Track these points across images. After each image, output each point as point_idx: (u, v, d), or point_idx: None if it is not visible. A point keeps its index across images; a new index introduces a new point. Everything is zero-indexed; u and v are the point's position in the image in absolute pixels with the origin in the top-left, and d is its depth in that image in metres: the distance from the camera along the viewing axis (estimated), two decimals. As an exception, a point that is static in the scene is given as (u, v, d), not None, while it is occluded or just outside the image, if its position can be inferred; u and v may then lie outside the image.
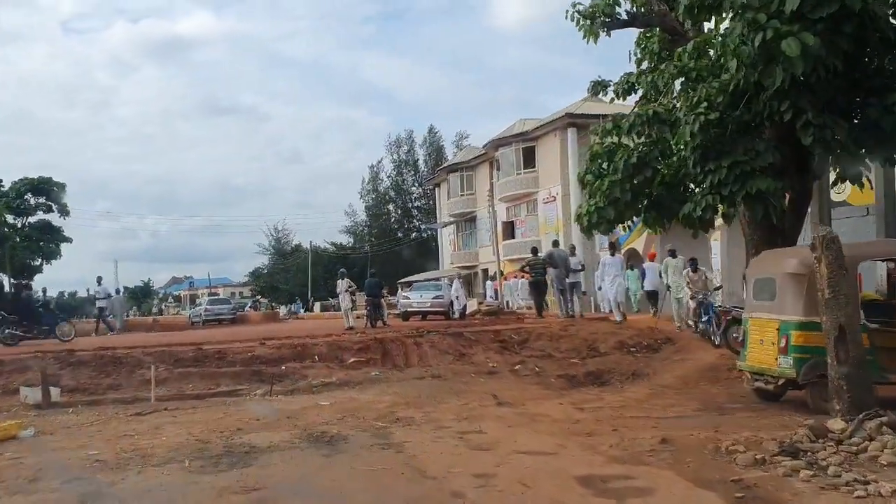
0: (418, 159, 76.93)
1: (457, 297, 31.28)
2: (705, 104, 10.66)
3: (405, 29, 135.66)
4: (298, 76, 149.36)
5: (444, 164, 59.74)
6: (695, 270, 17.64)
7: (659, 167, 12.02)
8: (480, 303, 37.09)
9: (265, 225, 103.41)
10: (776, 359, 9.88)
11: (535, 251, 23.59)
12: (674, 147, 11.69)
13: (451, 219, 54.65)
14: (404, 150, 76.56)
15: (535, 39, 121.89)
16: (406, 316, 30.73)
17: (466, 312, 32.01)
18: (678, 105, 11.11)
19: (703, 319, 16.65)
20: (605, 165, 14.48)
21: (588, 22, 14.41)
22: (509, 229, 47.30)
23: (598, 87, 15.65)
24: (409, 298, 31.39)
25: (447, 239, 57.82)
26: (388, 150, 76.98)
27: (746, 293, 10.88)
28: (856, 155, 10.56)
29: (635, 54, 15.37)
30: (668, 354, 16.72)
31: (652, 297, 25.49)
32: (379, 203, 76.84)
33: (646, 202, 12.55)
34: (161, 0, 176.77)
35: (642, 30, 15.30)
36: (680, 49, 12.21)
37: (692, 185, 11.61)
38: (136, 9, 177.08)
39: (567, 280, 20.80)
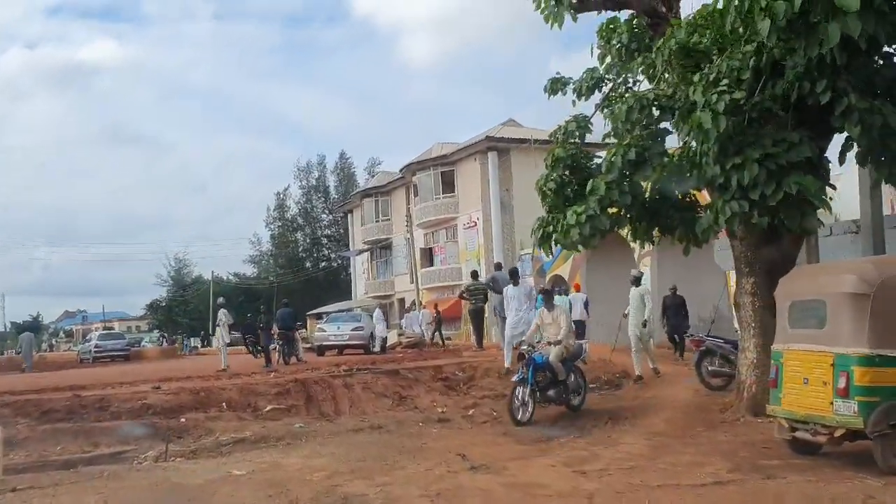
0: (329, 185, 73.99)
1: (383, 328, 28.73)
2: (726, 82, 8.51)
3: (313, 61, 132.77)
4: (203, 105, 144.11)
5: (359, 189, 57.00)
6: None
7: (661, 165, 9.78)
8: (401, 334, 34.58)
9: (165, 256, 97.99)
10: (831, 403, 7.67)
11: (475, 275, 21.22)
12: (679, 139, 9.51)
13: (366, 246, 51.89)
14: (314, 176, 73.54)
15: (444, 74, 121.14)
16: (321, 350, 27.94)
17: (386, 345, 29.45)
18: (690, 88, 8.88)
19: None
20: (566, 173, 12.34)
21: (553, 3, 12.25)
22: (428, 256, 44.90)
23: (557, 85, 13.44)
24: (324, 331, 28.53)
25: (361, 267, 54.96)
26: (297, 177, 73.85)
27: (781, 320, 8.67)
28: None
29: (599, 48, 13.30)
30: (634, 392, 14.56)
31: (577, 327, 23.83)
32: (286, 231, 73.35)
33: (634, 211, 10.28)
34: (60, 26, 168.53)
35: (606, 21, 13.28)
36: (674, 25, 10.12)
37: (703, 189, 9.39)
38: (31, 34, 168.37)
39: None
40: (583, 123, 12.63)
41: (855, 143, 9.19)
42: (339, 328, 28.20)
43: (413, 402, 13.12)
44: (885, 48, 8.80)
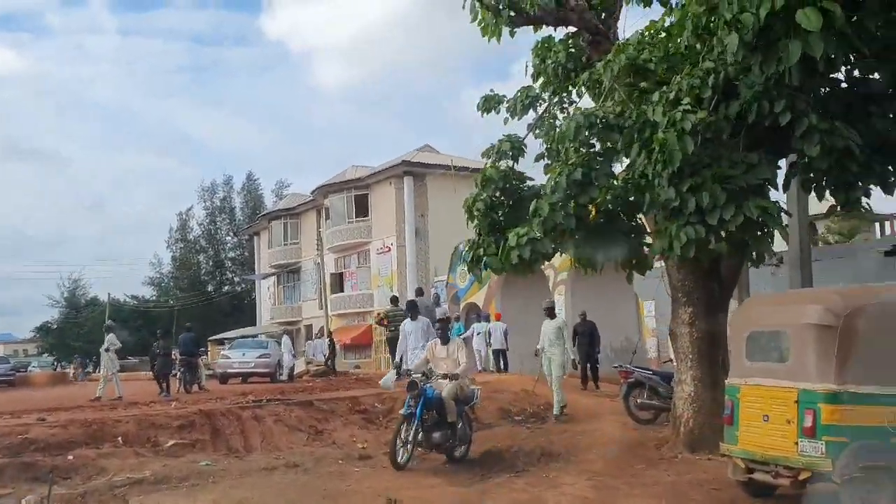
0: (235, 207, 71.80)
1: (292, 356, 27.46)
2: (688, 101, 7.99)
3: (221, 81, 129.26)
4: (104, 121, 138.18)
5: (267, 211, 55.30)
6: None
7: (607, 187, 9.18)
8: (308, 362, 33.25)
9: (59, 276, 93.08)
10: (796, 443, 7.14)
11: (395, 300, 20.29)
12: (626, 159, 8.94)
13: (273, 270, 50.28)
14: (219, 197, 71.24)
15: (357, 100, 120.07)
16: (225, 378, 26.57)
17: (294, 374, 28.20)
18: (649, 107, 8.32)
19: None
20: (497, 194, 11.74)
21: (491, 15, 11.66)
22: (338, 282, 43.70)
23: (490, 103, 12.83)
24: (228, 358, 27.16)
25: (266, 292, 53.21)
26: (202, 197, 71.32)
27: (737, 352, 8.12)
28: (870, 171, 8.22)
29: (533, 66, 12.79)
30: (562, 426, 13.91)
31: (499, 356, 23.40)
32: (188, 253, 70.66)
33: (579, 235, 9.64)
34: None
35: (542, 39, 12.79)
36: (624, 42, 9.63)
37: (653, 213, 8.82)
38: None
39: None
40: (516, 143, 12.03)
41: (799, 171, 8.87)
42: (244, 355, 26.91)
43: (330, 437, 12.10)
44: (840, 71, 8.49)
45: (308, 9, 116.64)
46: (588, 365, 18.77)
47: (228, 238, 71.89)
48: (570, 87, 12.52)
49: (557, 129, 12.49)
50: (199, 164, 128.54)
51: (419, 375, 10.24)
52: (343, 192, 42.44)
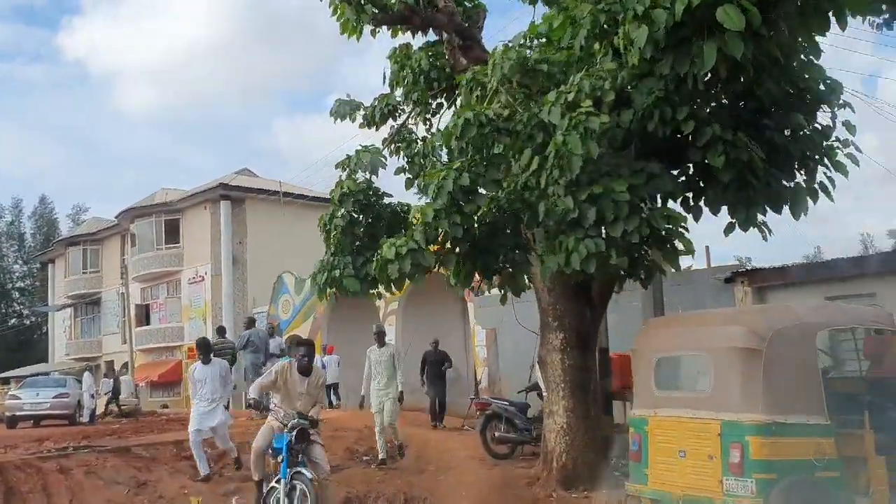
0: (25, 232, 65.48)
1: (92, 396, 24.52)
2: (589, 103, 7.20)
3: (8, 98, 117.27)
4: None
5: (64, 237, 50.43)
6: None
7: (495, 194, 8.21)
8: (111, 401, 30.05)
9: None
10: (721, 481, 6.42)
11: (222, 331, 18.28)
12: (516, 165, 8.02)
13: (69, 301, 45.70)
14: (6, 221, 64.69)
15: (161, 125, 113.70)
16: (13, 422, 23.29)
17: (96, 415, 25.26)
18: (545, 108, 7.46)
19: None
20: (355, 210, 10.61)
21: (352, 11, 10.55)
22: (144, 313, 40.24)
23: (345, 108, 11.67)
24: (18, 398, 23.86)
25: (62, 325, 48.33)
26: (-15, 221, 64.53)
27: (644, 379, 7.34)
28: (776, 186, 7.78)
29: (392, 73, 11.78)
30: (416, 465, 12.76)
31: (331, 390, 22.12)
32: (-32, 282, 63.63)
33: (463, 247, 8.60)
34: None
35: (400, 46, 11.85)
36: (507, 42, 8.79)
37: (542, 223, 7.92)
38: None
39: (263, 368, 15.97)
40: (376, 154, 10.91)
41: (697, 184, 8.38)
42: (37, 395, 23.73)
43: (156, 490, 10.20)
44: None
45: (112, 30, 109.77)
46: (437, 400, 17.26)
47: (17, 266, 65.41)
48: (431, 98, 11.61)
49: (419, 143, 11.56)
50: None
51: (302, 421, 7.80)
52: (152, 217, 39.24)
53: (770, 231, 8.08)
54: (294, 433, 7.60)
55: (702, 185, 8.07)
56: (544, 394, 10.52)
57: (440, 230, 7.84)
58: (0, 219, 64.68)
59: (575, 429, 10.08)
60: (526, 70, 8.16)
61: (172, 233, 38.91)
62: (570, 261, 7.32)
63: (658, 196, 8.07)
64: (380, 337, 12.84)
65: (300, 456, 7.66)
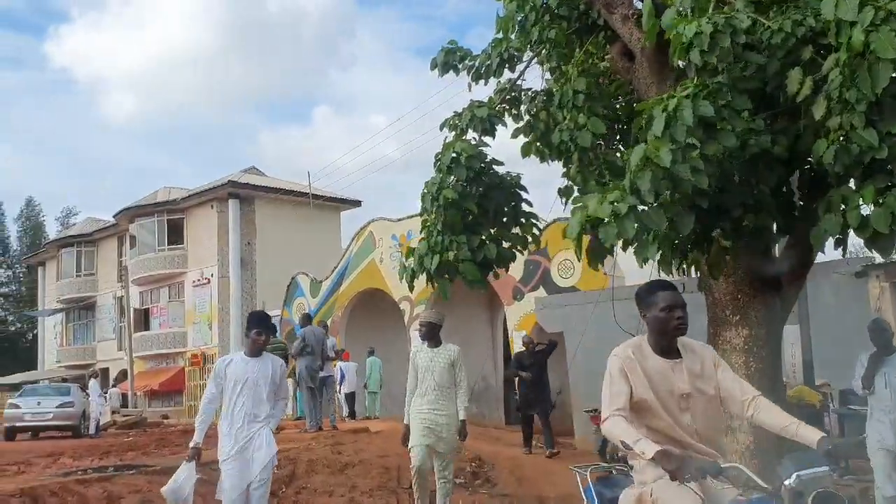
0: (9, 236, 62.91)
1: (101, 404, 22.31)
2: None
3: None
4: None
5: (57, 237, 47.87)
6: None
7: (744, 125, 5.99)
8: (115, 412, 27.94)
9: None
10: None
11: (273, 330, 16.11)
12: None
13: (61, 305, 43.25)
14: (-9, 224, 62.12)
15: (143, 135, 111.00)
16: (12, 433, 21.19)
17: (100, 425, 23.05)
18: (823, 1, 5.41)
19: None
20: (463, 180, 8.39)
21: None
22: (142, 318, 37.92)
23: (451, 57, 9.55)
24: (18, 408, 21.69)
25: (52, 331, 45.79)
26: (-31, 224, 61.88)
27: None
28: None
29: (505, 13, 9.64)
30: (510, 487, 10.71)
31: (351, 399, 20.56)
32: (-50, 287, 60.89)
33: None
34: None
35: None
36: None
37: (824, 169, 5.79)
38: None
39: (321, 373, 13.81)
40: (494, 111, 8.82)
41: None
42: (39, 404, 21.58)
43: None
44: None
45: (98, 39, 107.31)
46: (534, 415, 13.33)
47: (1, 271, 62.75)
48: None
49: (542, 96, 9.46)
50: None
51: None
52: (153, 216, 37.04)
53: None
54: None
55: None
56: None
57: (678, 179, 5.67)
58: (-15, 222, 62.20)
59: (764, 448, 8.02)
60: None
61: (175, 233, 36.78)
62: (868, 222, 5.28)
63: None
64: (432, 332, 8.14)
65: None
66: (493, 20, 8.99)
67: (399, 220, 23.86)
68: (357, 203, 39.18)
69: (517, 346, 20.92)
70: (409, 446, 7.67)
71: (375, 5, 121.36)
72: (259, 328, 6.62)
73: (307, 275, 27.58)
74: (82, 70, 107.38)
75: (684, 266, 7.36)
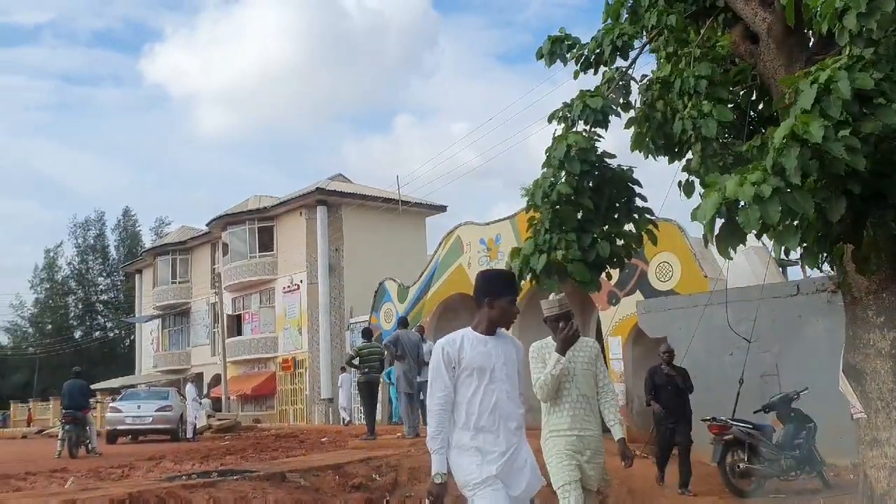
0: (108, 245, 65.15)
1: (198, 409, 22.69)
2: None
3: (87, 121, 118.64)
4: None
5: (153, 246, 49.31)
6: None
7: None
8: (210, 416, 28.38)
9: None
10: None
11: (367, 334, 16.03)
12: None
13: (157, 312, 44.46)
14: (92, 234, 64.42)
15: (233, 147, 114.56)
16: (114, 437, 21.73)
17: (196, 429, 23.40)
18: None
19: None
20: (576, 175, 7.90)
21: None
22: (235, 324, 38.58)
23: (558, 47, 9.14)
24: (119, 411, 22.22)
25: (149, 337, 47.13)
26: (72, 234, 64.38)
27: None
28: None
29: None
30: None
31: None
32: (55, 295, 63.26)
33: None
34: None
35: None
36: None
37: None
38: None
39: (418, 378, 13.56)
40: (608, 101, 8.36)
41: None
42: (139, 408, 22.07)
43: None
44: None
45: (190, 55, 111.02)
46: (673, 443, 11.05)
47: (101, 279, 65.05)
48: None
49: (657, 85, 8.94)
50: (63, 207, 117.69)
51: None
52: (245, 224, 37.64)
53: None
54: None
55: None
56: (856, 415, 7.79)
57: (830, 157, 5.13)
58: (87, 232, 64.50)
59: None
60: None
61: (266, 240, 37.27)
62: None
63: None
64: (564, 317, 5.80)
65: None
66: (573, 21, 8.50)
67: (487, 224, 23.52)
68: (442, 208, 39.00)
69: (613, 353, 20.33)
70: (558, 485, 5.47)
71: (457, 13, 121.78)
72: (515, 295, 4.69)
73: (395, 280, 27.50)
74: (175, 86, 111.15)
75: (828, 259, 6.75)
